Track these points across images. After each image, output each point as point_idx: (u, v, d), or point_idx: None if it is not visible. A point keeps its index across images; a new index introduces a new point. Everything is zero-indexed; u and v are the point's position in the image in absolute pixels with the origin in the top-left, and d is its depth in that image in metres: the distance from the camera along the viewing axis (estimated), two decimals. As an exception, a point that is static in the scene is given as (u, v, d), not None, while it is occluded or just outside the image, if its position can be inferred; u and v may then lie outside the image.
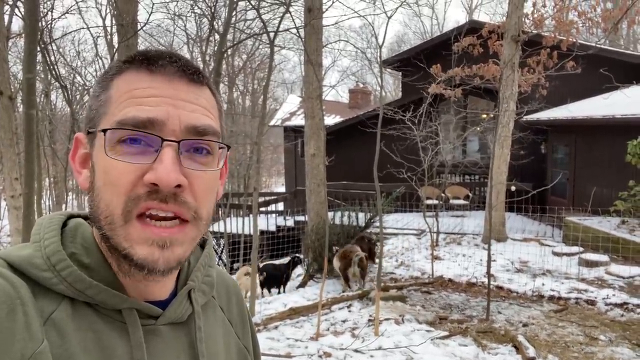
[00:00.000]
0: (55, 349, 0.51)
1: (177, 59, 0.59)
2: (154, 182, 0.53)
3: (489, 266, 5.24)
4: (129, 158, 0.54)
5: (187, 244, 0.57)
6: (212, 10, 10.00)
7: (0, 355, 0.47)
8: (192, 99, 0.58)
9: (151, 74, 0.57)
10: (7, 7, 8.43)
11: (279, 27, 5.29)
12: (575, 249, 7.65)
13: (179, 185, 0.54)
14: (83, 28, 17.22)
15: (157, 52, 0.59)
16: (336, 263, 6.28)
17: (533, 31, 9.11)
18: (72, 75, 15.53)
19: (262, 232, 10.07)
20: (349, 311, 5.41)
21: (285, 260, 7.45)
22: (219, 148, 0.60)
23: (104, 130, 0.55)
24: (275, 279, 6.90)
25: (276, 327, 4.96)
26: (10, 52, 12.14)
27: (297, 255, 7.28)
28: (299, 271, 7.66)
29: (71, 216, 0.63)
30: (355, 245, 6.56)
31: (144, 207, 0.54)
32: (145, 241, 0.54)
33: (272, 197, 13.41)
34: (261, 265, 7.08)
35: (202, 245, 0.73)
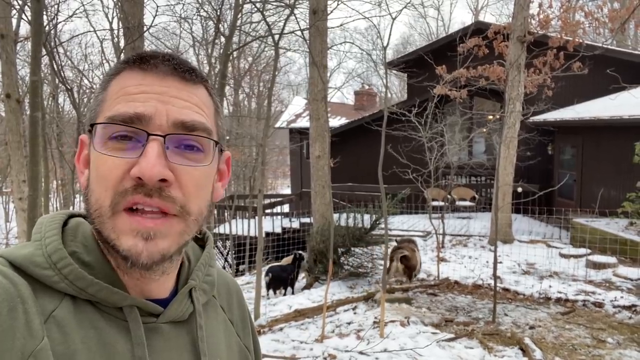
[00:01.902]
0: (57, 346, 0.51)
1: (170, 58, 0.59)
2: (138, 175, 0.54)
3: (495, 268, 5.21)
4: (118, 153, 0.55)
5: (171, 237, 0.57)
6: (218, 13, 10.05)
7: (1, 353, 0.47)
8: (183, 96, 0.58)
9: (143, 72, 0.58)
10: (14, 12, 8.50)
11: (283, 29, 5.30)
12: (582, 250, 7.60)
13: (164, 180, 0.54)
14: (90, 31, 17.38)
15: (152, 53, 0.60)
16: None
17: (539, 32, 9.07)
18: (79, 78, 15.66)
19: (267, 234, 10.07)
20: (354, 313, 5.40)
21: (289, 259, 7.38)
22: (215, 145, 0.61)
23: (93, 125, 0.57)
24: (281, 280, 6.89)
25: (281, 329, 4.95)
26: (18, 56, 12.25)
27: (299, 252, 7.23)
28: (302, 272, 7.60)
29: (72, 215, 0.64)
30: (407, 244, 6.80)
31: (131, 202, 0.54)
32: (131, 231, 0.55)
33: (278, 199, 13.43)
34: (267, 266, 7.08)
35: (203, 245, 0.73)
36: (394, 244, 6.91)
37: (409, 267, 6.47)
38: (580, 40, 8.86)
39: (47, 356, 0.50)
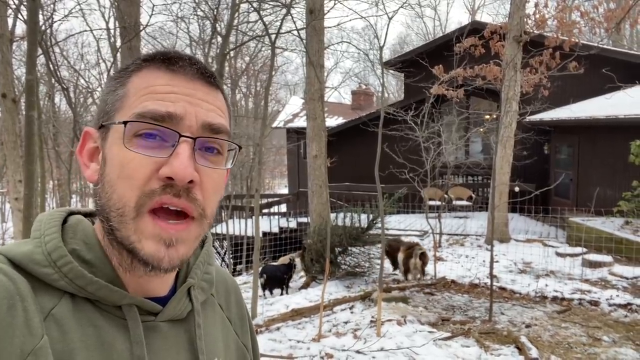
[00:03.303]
0: (56, 344, 0.51)
1: (196, 62, 0.61)
2: (169, 175, 0.54)
3: (491, 267, 5.23)
4: (145, 151, 0.55)
5: (190, 242, 0.58)
6: (215, 12, 10.03)
7: (0, 351, 0.47)
8: (209, 99, 0.60)
9: (172, 73, 0.59)
10: (10, 11, 8.47)
11: (280, 28, 5.30)
12: (578, 249, 7.63)
13: (191, 181, 0.56)
14: (86, 30, 17.32)
15: (177, 54, 0.61)
16: (400, 255, 6.83)
17: (535, 32, 9.10)
18: (75, 77, 15.60)
19: (264, 234, 10.07)
20: (351, 312, 5.40)
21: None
22: (229, 150, 0.62)
23: (125, 123, 0.56)
24: (276, 280, 6.89)
25: (278, 329, 4.96)
26: (15, 56, 12.21)
27: (295, 257, 7.21)
28: (299, 272, 7.60)
29: (71, 213, 0.64)
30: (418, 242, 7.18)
31: (158, 202, 0.55)
32: (153, 237, 0.55)
33: (275, 199, 13.42)
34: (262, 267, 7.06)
35: (201, 243, 0.74)
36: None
37: (424, 264, 6.74)
38: (576, 40, 8.89)
39: (46, 354, 0.50)
